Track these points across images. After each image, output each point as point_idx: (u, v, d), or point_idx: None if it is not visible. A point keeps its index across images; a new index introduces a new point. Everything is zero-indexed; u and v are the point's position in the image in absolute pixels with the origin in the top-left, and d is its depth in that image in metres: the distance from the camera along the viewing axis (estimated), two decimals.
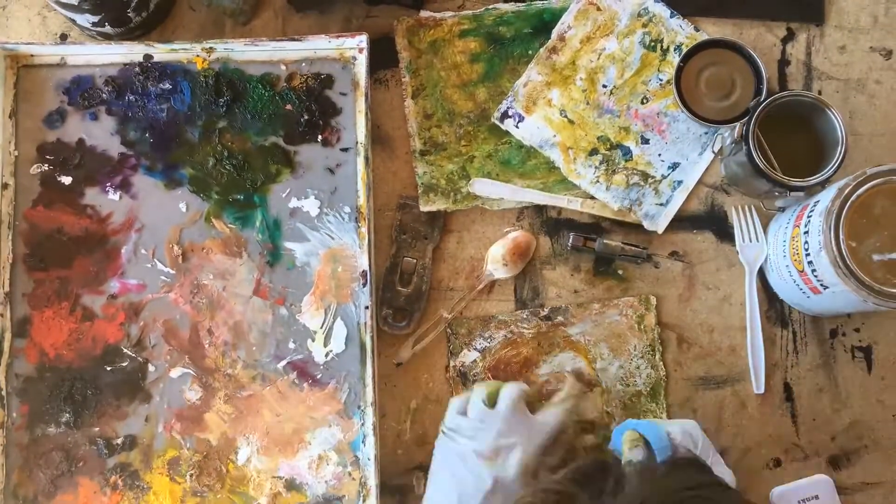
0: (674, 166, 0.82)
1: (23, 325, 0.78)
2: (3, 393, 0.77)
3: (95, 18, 0.79)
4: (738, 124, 0.77)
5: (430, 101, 0.83)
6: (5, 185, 0.79)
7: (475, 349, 0.81)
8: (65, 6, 0.77)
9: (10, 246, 0.79)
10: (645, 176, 0.82)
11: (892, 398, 0.80)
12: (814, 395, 0.81)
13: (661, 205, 0.82)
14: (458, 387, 0.80)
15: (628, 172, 0.82)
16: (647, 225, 0.82)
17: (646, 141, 0.83)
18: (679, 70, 0.82)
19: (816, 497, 0.78)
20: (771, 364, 0.81)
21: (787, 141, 0.77)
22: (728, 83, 0.82)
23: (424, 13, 0.84)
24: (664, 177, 0.82)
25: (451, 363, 0.81)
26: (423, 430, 0.80)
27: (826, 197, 0.70)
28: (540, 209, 0.83)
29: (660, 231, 0.82)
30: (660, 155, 0.82)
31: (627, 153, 0.82)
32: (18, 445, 0.77)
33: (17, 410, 0.77)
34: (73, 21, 0.81)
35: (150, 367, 0.78)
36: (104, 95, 0.81)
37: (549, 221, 0.83)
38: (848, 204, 0.68)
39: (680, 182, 0.82)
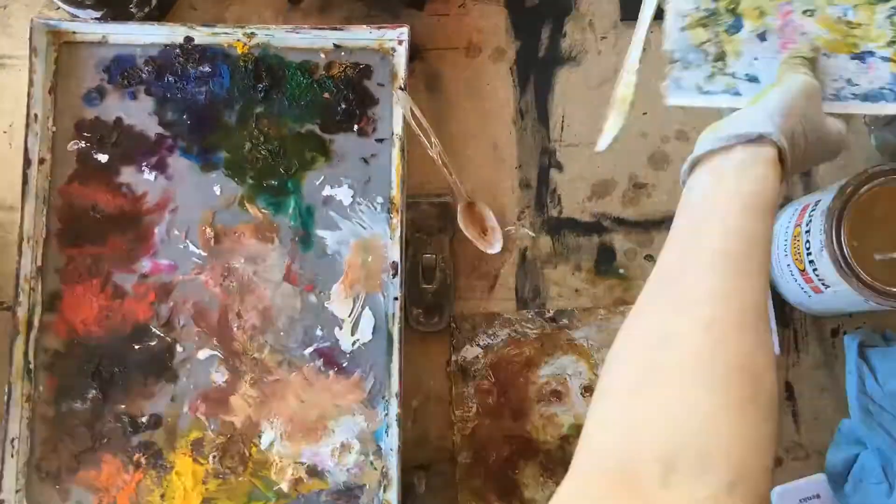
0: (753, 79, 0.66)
1: (53, 300, 0.79)
2: (31, 366, 0.78)
3: (98, 14, 0.80)
4: None
5: None
6: (42, 160, 0.80)
7: (478, 345, 0.81)
8: (68, 2, 0.78)
9: (44, 220, 0.79)
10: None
11: None
12: (815, 394, 0.81)
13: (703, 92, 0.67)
14: (459, 382, 0.80)
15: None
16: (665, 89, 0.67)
17: None
18: None
19: (817, 496, 0.78)
20: None
21: None
22: None
23: None
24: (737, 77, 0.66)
25: (453, 357, 0.81)
26: (424, 429, 0.80)
27: (827, 196, 0.70)
28: (540, 209, 0.83)
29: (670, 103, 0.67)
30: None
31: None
32: (44, 419, 0.77)
33: (44, 384, 0.78)
34: (76, 17, 0.81)
35: (178, 348, 0.79)
36: (144, 75, 0.81)
37: (549, 221, 0.83)
38: (849, 203, 0.68)
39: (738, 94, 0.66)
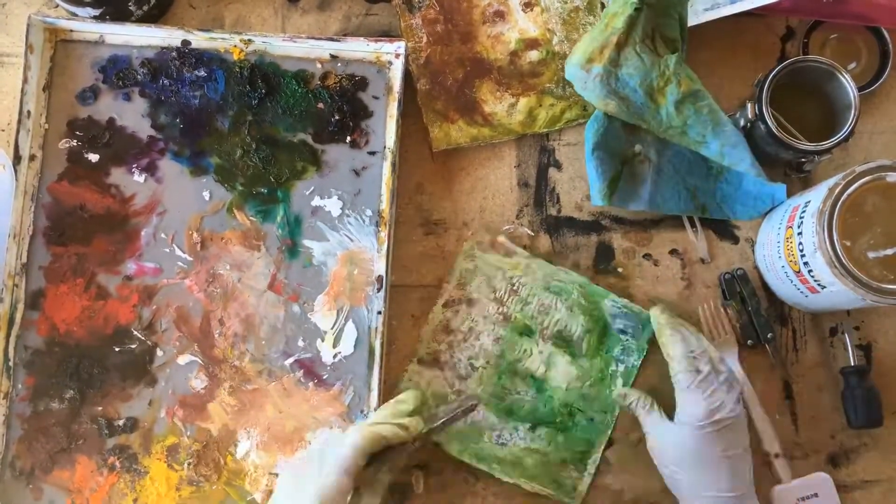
0: None
1: (36, 298, 0.78)
2: (11, 363, 0.77)
3: (97, 12, 0.80)
4: (749, 105, 0.77)
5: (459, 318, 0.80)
6: (32, 157, 0.80)
7: None
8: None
9: (31, 217, 0.79)
10: None
11: (892, 396, 0.80)
12: (813, 393, 0.81)
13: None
14: (405, 15, 0.83)
15: None
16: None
17: None
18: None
19: (816, 495, 0.77)
20: (771, 362, 0.81)
21: (797, 111, 0.79)
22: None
23: (501, 238, 0.81)
24: None
25: None
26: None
27: (817, 197, 0.70)
28: (539, 207, 0.83)
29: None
30: None
31: None
32: (20, 417, 0.77)
33: (23, 382, 0.77)
34: (75, 15, 0.81)
35: (159, 352, 0.78)
36: (139, 77, 0.81)
37: (548, 219, 0.83)
38: (839, 203, 0.68)
39: None
